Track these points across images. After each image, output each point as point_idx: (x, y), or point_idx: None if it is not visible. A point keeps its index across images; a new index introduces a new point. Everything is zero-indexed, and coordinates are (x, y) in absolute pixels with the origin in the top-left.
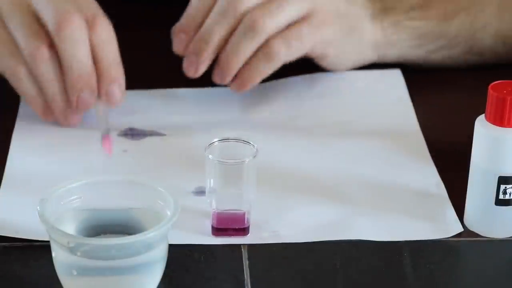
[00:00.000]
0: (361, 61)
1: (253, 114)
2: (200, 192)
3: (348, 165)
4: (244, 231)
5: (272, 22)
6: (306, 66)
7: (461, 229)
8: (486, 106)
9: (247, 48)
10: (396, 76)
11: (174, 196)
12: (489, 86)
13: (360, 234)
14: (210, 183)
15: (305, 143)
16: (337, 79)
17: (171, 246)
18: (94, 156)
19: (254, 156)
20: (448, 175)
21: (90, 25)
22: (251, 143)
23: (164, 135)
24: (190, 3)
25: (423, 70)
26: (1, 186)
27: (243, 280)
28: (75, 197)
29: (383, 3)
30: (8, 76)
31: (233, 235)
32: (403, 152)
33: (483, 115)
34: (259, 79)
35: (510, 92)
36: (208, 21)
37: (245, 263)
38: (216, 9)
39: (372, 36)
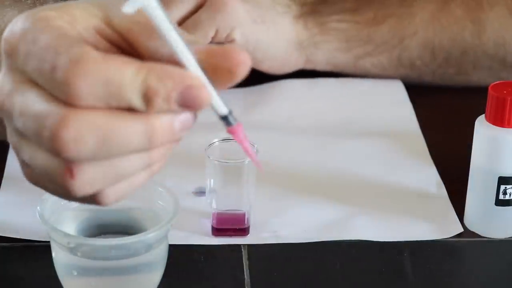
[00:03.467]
0: (288, 59)
1: (253, 114)
2: (200, 192)
3: (348, 166)
4: (244, 231)
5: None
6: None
7: (461, 229)
8: (486, 107)
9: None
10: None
11: (174, 196)
12: (489, 86)
13: (360, 234)
14: (210, 183)
15: (305, 143)
16: (337, 83)
17: (171, 246)
18: None
19: None
20: (448, 176)
21: None
22: (251, 143)
23: None
24: None
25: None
26: (1, 186)
27: (243, 280)
28: None
29: (311, 6)
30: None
31: (233, 235)
32: (403, 153)
33: (483, 115)
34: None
35: (510, 92)
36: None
37: (245, 263)
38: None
39: (295, 35)
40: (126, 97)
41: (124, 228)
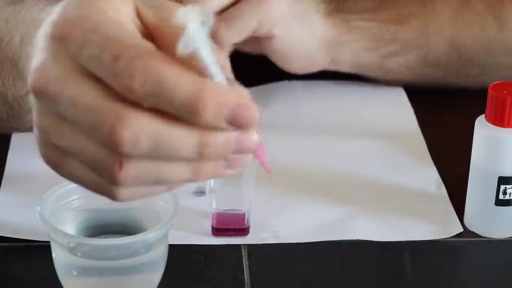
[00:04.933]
0: (316, 59)
1: None
2: (200, 192)
3: (348, 165)
4: (244, 231)
5: (211, 4)
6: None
7: (461, 229)
8: (486, 106)
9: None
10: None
11: (174, 196)
12: (489, 86)
13: (360, 234)
14: (210, 183)
15: (305, 144)
16: (336, 84)
17: (171, 246)
18: None
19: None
20: (448, 175)
21: None
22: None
23: None
24: None
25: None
26: (1, 186)
27: (243, 280)
28: (75, 197)
29: (336, 4)
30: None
31: (233, 235)
32: (403, 153)
33: (483, 115)
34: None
35: (510, 92)
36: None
37: (245, 263)
38: None
39: (324, 33)
40: (177, 103)
41: (124, 228)
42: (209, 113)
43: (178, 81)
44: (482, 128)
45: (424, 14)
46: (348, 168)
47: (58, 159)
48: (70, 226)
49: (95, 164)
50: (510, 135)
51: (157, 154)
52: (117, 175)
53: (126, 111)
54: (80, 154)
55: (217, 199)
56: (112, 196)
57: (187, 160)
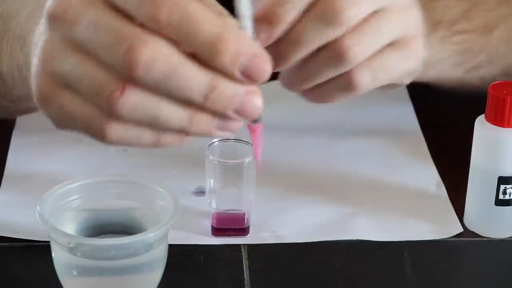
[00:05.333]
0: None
1: None
2: (200, 192)
3: (348, 165)
4: (244, 231)
5: (362, 54)
6: None
7: (461, 229)
8: (486, 106)
9: (327, 75)
10: None
11: (174, 196)
12: (489, 86)
13: (360, 234)
14: (210, 183)
15: (305, 143)
16: None
17: (171, 246)
18: (94, 156)
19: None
20: (448, 175)
21: None
22: (251, 143)
23: None
24: None
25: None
26: (1, 186)
27: (243, 280)
28: (75, 197)
29: (431, 15)
30: (97, 138)
31: (233, 235)
32: (403, 152)
33: (483, 115)
34: (330, 102)
35: (510, 92)
36: (302, 25)
37: (245, 263)
38: (313, 15)
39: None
40: (199, 39)
41: (124, 228)
42: (227, 56)
43: (205, 19)
44: (482, 128)
45: (506, 17)
46: (348, 168)
47: (53, 90)
48: (70, 226)
49: (95, 90)
50: (510, 135)
51: (165, 86)
52: (115, 102)
53: (146, 35)
54: (81, 80)
55: (217, 199)
56: (101, 134)
57: (189, 102)
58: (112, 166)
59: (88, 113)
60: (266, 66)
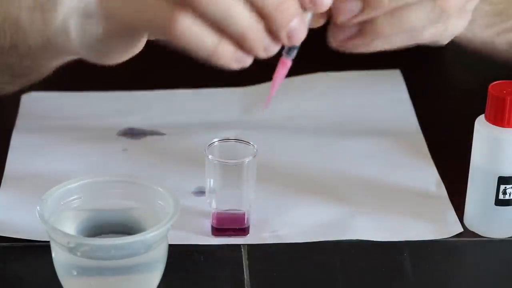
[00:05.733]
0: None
1: (253, 114)
2: (200, 192)
3: (348, 165)
4: (244, 231)
5: (458, 8)
6: (306, 66)
7: (461, 229)
8: (486, 106)
9: (420, 24)
10: (396, 76)
11: (174, 196)
12: (489, 86)
13: (360, 234)
14: (210, 183)
15: (305, 143)
16: (337, 79)
17: (171, 246)
18: (94, 155)
19: (254, 156)
20: (448, 175)
21: None
22: (251, 143)
23: (164, 134)
24: None
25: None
26: (1, 186)
27: (243, 280)
28: (75, 197)
29: None
30: (162, 31)
31: (233, 235)
32: (403, 152)
33: (483, 115)
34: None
35: (510, 92)
36: None
37: (245, 263)
38: None
39: None
40: None
41: (124, 228)
42: None
43: None
44: (482, 128)
45: None
46: (348, 167)
47: None
48: (70, 226)
49: None
50: (510, 135)
51: None
52: None
53: None
54: None
55: (217, 199)
56: (170, 22)
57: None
58: (112, 166)
59: (160, 2)
60: None
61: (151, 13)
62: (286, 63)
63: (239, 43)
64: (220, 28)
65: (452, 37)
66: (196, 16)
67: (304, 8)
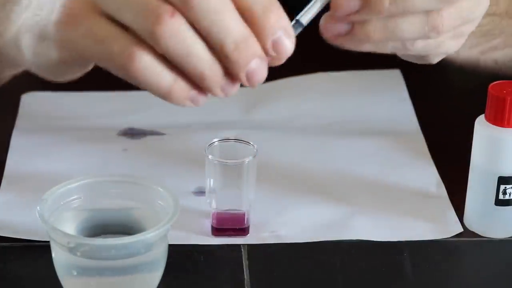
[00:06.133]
0: None
1: (253, 114)
2: (200, 192)
3: (348, 165)
4: (244, 231)
5: (451, 28)
6: (306, 66)
7: (461, 229)
8: (486, 106)
9: (410, 36)
10: (396, 76)
11: (174, 196)
12: (489, 86)
13: (360, 234)
14: (210, 183)
15: (305, 143)
16: (337, 79)
17: (171, 246)
18: (94, 155)
19: (254, 156)
20: (448, 175)
21: None
22: (251, 143)
23: (164, 134)
24: None
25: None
26: (1, 186)
27: (243, 280)
28: (75, 197)
29: None
30: (119, 67)
31: (233, 235)
32: (403, 152)
33: (483, 115)
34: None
35: (510, 92)
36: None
37: (245, 263)
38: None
39: None
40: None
41: (124, 228)
42: (272, 19)
43: None
44: (482, 128)
45: None
46: (348, 167)
47: (85, 13)
48: (70, 226)
49: (142, 12)
50: (510, 135)
51: (208, 24)
52: (164, 21)
53: None
54: (126, 6)
55: (217, 199)
56: (127, 60)
57: (220, 47)
58: (112, 166)
59: (120, 38)
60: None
61: (110, 48)
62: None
63: (197, 82)
64: (179, 66)
65: (444, 56)
66: (155, 54)
67: (266, 54)
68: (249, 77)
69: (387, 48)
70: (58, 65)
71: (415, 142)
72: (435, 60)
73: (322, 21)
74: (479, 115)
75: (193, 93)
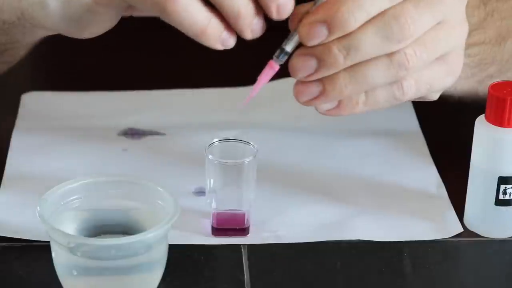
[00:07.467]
0: None
1: (253, 114)
2: (200, 192)
3: (348, 165)
4: (244, 231)
5: (420, 65)
6: None
7: (461, 229)
8: (486, 106)
9: (379, 82)
10: None
11: (174, 196)
12: (489, 86)
13: (360, 234)
14: (210, 183)
15: (305, 143)
16: None
17: (171, 246)
18: (94, 155)
19: (254, 156)
20: (448, 175)
21: None
22: (251, 143)
23: (164, 134)
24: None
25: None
26: (1, 186)
27: (243, 280)
28: (75, 197)
29: None
30: (156, 5)
31: (233, 235)
32: (403, 152)
33: (483, 115)
34: (355, 113)
35: (510, 92)
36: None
37: (245, 263)
38: (378, 25)
39: None
40: None
41: (124, 228)
42: None
43: None
44: (482, 128)
45: None
46: (348, 167)
47: None
48: (70, 226)
49: None
50: (510, 135)
51: None
52: None
53: None
54: None
55: (217, 199)
56: None
57: None
58: (112, 166)
59: None
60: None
61: None
62: (273, 67)
63: (232, 21)
64: (217, 4)
65: (441, 92)
66: None
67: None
68: (278, 9)
69: (378, 102)
70: (88, 12)
71: (415, 142)
72: (434, 97)
73: (293, 89)
74: (479, 115)
75: (225, 34)
